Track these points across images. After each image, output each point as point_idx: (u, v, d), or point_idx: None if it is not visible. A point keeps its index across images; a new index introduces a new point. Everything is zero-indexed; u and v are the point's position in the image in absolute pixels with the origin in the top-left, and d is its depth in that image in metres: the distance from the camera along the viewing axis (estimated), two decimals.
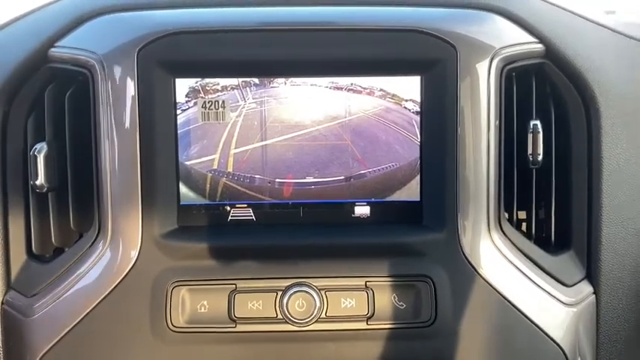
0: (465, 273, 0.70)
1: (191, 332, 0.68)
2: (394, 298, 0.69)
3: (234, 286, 0.69)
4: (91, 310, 0.70)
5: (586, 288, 0.75)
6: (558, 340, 0.71)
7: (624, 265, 0.77)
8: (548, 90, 0.76)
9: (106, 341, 0.69)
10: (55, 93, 0.74)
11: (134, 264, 0.70)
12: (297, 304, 0.67)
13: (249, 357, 0.69)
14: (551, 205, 0.77)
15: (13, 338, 0.72)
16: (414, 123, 0.71)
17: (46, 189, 0.74)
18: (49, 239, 0.76)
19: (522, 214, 0.79)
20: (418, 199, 0.72)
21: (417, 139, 0.72)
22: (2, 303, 0.74)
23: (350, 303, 0.69)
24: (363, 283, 0.69)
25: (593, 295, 0.75)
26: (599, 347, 0.76)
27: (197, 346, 0.69)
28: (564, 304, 0.73)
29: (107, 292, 0.70)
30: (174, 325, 0.68)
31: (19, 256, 0.75)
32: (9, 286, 0.74)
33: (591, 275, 0.76)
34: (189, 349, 0.68)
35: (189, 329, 0.68)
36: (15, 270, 0.75)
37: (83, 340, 0.70)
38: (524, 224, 0.79)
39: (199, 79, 0.71)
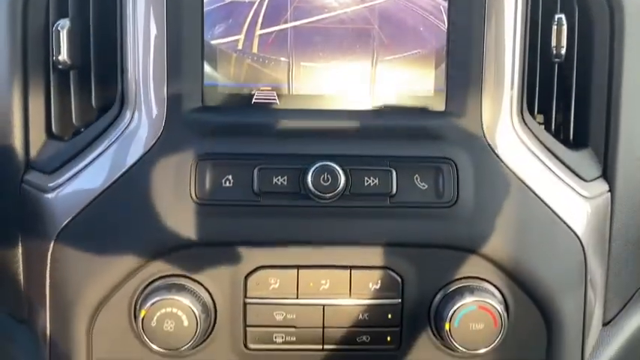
0: (487, 158, 0.71)
1: (215, 205, 0.68)
2: (417, 178, 0.70)
3: (258, 161, 0.69)
4: (112, 183, 0.69)
5: (602, 186, 0.76)
6: (575, 229, 0.72)
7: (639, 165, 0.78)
8: None
9: (127, 213, 0.69)
10: None
11: (158, 138, 0.69)
12: (322, 178, 0.67)
13: (272, 231, 0.69)
14: (571, 101, 0.78)
15: (33, 214, 0.72)
16: (442, 9, 0.71)
17: (68, 66, 0.73)
18: (69, 119, 0.76)
19: (540, 119, 0.80)
20: (443, 86, 0.72)
21: (444, 25, 0.71)
22: (21, 182, 0.73)
23: (373, 181, 0.69)
24: (387, 162, 0.70)
25: (609, 193, 0.77)
26: (612, 242, 0.77)
27: (221, 218, 0.69)
28: (582, 196, 0.74)
29: (129, 166, 0.69)
30: (199, 197, 0.68)
31: (38, 136, 0.75)
32: (28, 165, 0.74)
33: (607, 174, 0.77)
34: (213, 222, 0.69)
35: (213, 202, 0.68)
36: (34, 150, 0.74)
37: (103, 212, 0.69)
38: (543, 127, 0.79)
39: None
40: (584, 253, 0.73)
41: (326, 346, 0.71)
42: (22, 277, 0.75)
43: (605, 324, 0.80)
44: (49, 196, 0.72)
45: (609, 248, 0.77)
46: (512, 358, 0.73)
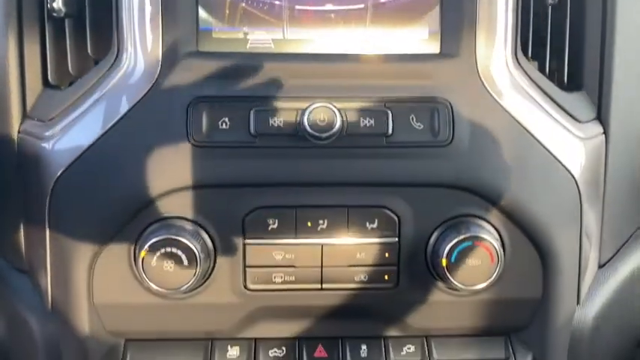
0: (483, 98, 0.71)
1: (212, 147, 0.69)
2: (412, 118, 0.70)
3: (255, 103, 0.69)
4: (109, 129, 0.69)
5: (596, 128, 0.77)
6: (570, 168, 0.73)
7: (634, 107, 0.78)
8: None
9: (124, 157, 0.69)
10: None
11: (154, 83, 0.70)
12: (319, 119, 0.68)
13: (269, 172, 0.70)
14: (565, 44, 0.78)
15: (31, 163, 0.73)
16: None
17: (63, 13, 0.73)
18: (65, 68, 0.76)
19: (534, 66, 0.80)
20: (438, 28, 0.72)
21: None
22: (19, 132, 0.74)
23: (369, 122, 0.69)
24: (383, 104, 0.70)
25: (603, 135, 0.77)
26: (607, 184, 0.78)
27: (218, 160, 0.69)
28: (576, 136, 0.74)
29: (126, 111, 0.69)
30: (196, 139, 0.69)
31: (35, 86, 0.75)
32: (25, 115, 0.74)
33: (601, 116, 0.77)
34: (210, 163, 0.69)
35: (210, 144, 0.69)
36: (31, 100, 0.75)
37: (101, 157, 0.70)
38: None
39: None
40: (579, 192, 0.74)
41: (324, 285, 0.72)
42: (21, 227, 0.75)
43: (600, 266, 0.80)
44: (47, 144, 0.72)
45: (604, 190, 0.78)
46: (509, 295, 0.74)
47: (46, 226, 0.72)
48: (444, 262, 0.69)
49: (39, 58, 0.75)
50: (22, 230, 0.75)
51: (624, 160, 0.79)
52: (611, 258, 0.81)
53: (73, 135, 0.71)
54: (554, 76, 0.80)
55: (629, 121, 0.78)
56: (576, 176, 0.74)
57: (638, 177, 0.80)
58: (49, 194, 0.71)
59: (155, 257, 0.67)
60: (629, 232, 0.82)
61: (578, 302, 0.77)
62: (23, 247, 0.75)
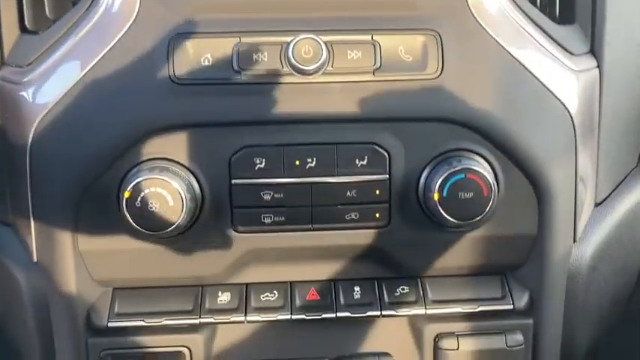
0: (473, 29, 0.69)
1: (195, 84, 0.67)
2: (401, 51, 0.68)
3: (238, 39, 0.67)
4: (89, 70, 0.67)
5: (590, 61, 0.75)
6: (563, 100, 0.71)
7: (628, 41, 0.76)
8: None
9: (105, 98, 0.67)
10: None
11: (133, 21, 0.68)
12: (304, 51, 0.66)
13: (254, 109, 0.68)
14: None
15: (10, 109, 0.71)
16: None
17: None
18: (43, 12, 0.74)
19: None
20: None
21: None
22: None
23: (356, 55, 0.67)
24: (370, 36, 0.68)
25: (597, 69, 0.75)
26: (601, 120, 0.76)
27: (201, 98, 0.67)
28: (570, 69, 0.73)
29: (105, 51, 0.67)
30: (178, 77, 0.67)
31: (12, 32, 0.73)
32: (3, 62, 0.72)
33: (595, 49, 0.75)
34: (193, 102, 0.67)
35: (192, 81, 0.67)
36: (8, 46, 0.73)
37: (81, 100, 0.68)
38: None
39: None
40: (574, 126, 0.72)
41: (315, 225, 0.70)
42: (3, 177, 0.73)
43: (597, 204, 0.79)
44: (25, 90, 0.70)
45: (599, 126, 0.76)
46: (504, 232, 0.73)
47: (28, 173, 0.70)
48: (436, 196, 0.67)
49: (15, 2, 0.73)
50: (4, 182, 0.73)
51: (619, 94, 0.77)
52: (608, 196, 0.79)
53: (51, 79, 0.69)
54: (546, 11, 0.78)
55: (623, 55, 0.76)
56: (570, 109, 0.72)
57: (636, 112, 0.79)
58: (30, 140, 0.69)
59: (139, 198, 0.66)
60: (626, 170, 0.81)
61: (574, 240, 0.76)
62: (6, 198, 0.74)
